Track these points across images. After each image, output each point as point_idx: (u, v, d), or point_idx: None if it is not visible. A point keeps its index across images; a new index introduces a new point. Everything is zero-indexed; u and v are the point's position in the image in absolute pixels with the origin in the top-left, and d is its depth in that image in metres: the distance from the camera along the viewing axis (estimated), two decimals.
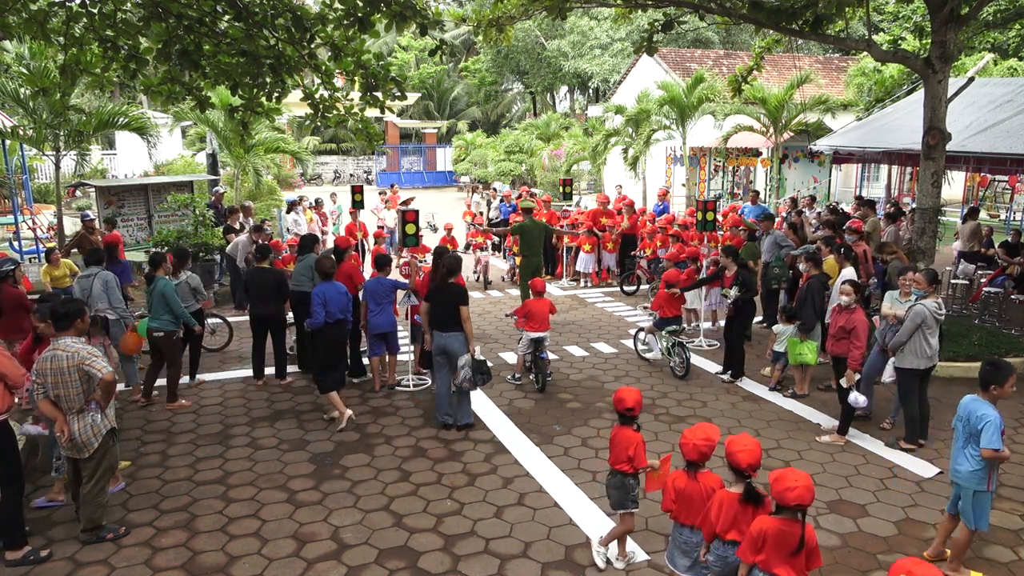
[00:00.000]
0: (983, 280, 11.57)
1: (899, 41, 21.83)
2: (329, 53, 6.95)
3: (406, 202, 16.55)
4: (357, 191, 13.96)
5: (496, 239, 16.18)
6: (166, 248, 11.83)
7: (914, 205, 11.15)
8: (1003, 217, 21.21)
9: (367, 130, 7.95)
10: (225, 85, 7.55)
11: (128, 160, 28.28)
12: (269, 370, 8.97)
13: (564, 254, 14.68)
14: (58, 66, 7.98)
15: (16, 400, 5.36)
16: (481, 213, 17.50)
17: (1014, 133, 11.33)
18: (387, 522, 5.75)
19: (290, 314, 9.03)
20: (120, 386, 7.56)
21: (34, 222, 15.97)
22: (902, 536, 5.56)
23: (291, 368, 9.14)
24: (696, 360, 9.46)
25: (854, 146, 14.75)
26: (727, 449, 4.05)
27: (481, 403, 8.14)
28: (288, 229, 15.14)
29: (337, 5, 6.54)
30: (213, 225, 13.23)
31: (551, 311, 8.73)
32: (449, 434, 7.37)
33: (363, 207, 13.84)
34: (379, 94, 7.14)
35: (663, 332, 9.06)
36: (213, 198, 15.11)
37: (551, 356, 9.42)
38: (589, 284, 14.32)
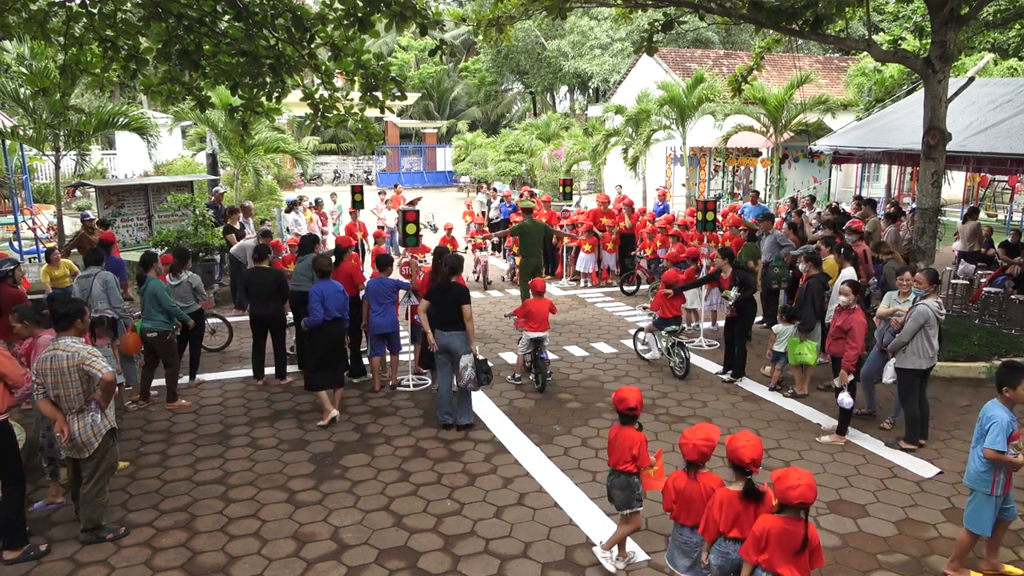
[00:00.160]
0: (983, 280, 11.57)
1: (899, 41, 21.83)
2: (329, 53, 6.95)
3: (413, 202, 16.57)
4: (357, 191, 13.96)
5: (496, 239, 16.18)
6: (166, 248, 11.84)
7: (914, 205, 11.14)
8: (1000, 216, 21.22)
9: (367, 130, 7.95)
10: (225, 85, 7.55)
11: (128, 160, 28.27)
12: (269, 370, 8.97)
13: (564, 254, 14.69)
14: (58, 66, 7.98)
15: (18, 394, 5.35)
16: (483, 213, 17.49)
17: (1014, 133, 11.33)
18: (387, 522, 5.75)
19: (290, 314, 9.03)
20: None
21: (34, 222, 15.97)
22: (902, 536, 5.56)
23: (291, 368, 9.13)
24: (696, 360, 9.46)
25: (854, 146, 14.75)
26: (728, 446, 4.06)
27: (481, 403, 8.14)
28: (288, 229, 15.14)
29: (337, 5, 6.54)
30: (213, 225, 13.23)
31: (551, 311, 8.73)
32: (449, 434, 7.37)
33: (363, 207, 13.84)
34: (379, 94, 7.14)
35: (663, 332, 9.06)
36: (213, 198, 15.10)
37: (551, 356, 9.42)
38: (589, 284, 14.32)
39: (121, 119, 13.59)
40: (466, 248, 14.84)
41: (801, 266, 8.90)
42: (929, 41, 9.96)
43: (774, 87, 20.48)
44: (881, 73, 20.90)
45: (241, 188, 17.88)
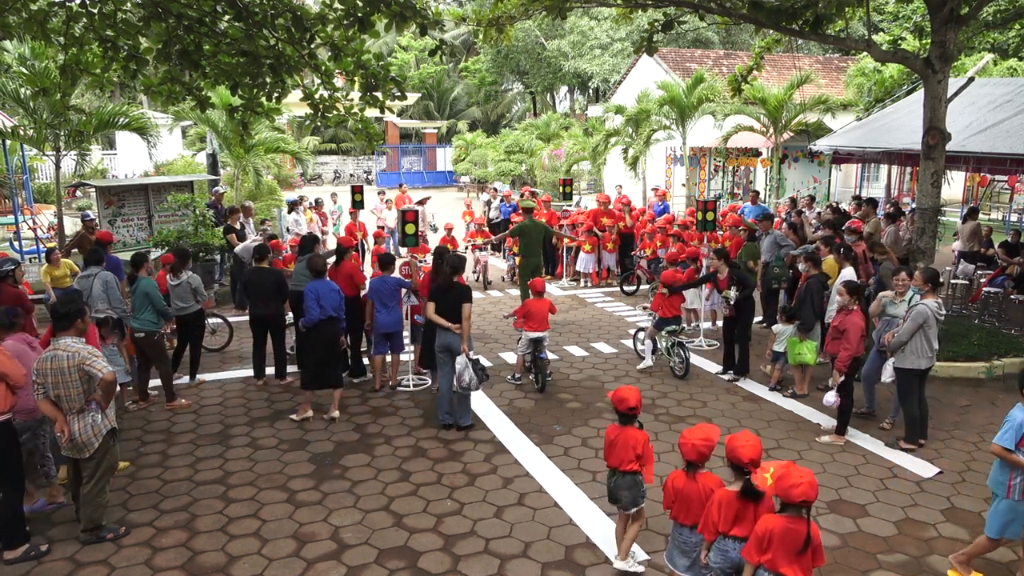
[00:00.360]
0: (983, 280, 11.57)
1: (899, 41, 21.83)
2: (329, 53, 6.95)
3: (422, 201, 16.58)
4: (357, 191, 13.96)
5: (495, 240, 16.18)
6: (166, 248, 11.84)
7: (914, 205, 11.14)
8: (994, 216, 21.23)
9: (367, 130, 7.95)
10: (225, 85, 7.55)
11: (128, 160, 28.28)
12: (269, 370, 8.97)
13: (564, 254, 14.69)
14: (58, 66, 7.98)
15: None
16: (484, 213, 17.50)
17: (1014, 133, 11.33)
18: (387, 522, 5.75)
19: (290, 314, 9.03)
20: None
21: (34, 222, 15.97)
22: (902, 536, 5.56)
23: (291, 368, 9.13)
24: (696, 360, 9.46)
25: (854, 146, 14.75)
26: (728, 446, 4.06)
27: (481, 403, 8.14)
28: (288, 229, 15.15)
29: (337, 5, 6.54)
30: (213, 225, 13.23)
31: (551, 311, 8.73)
32: (449, 434, 7.37)
33: (363, 207, 13.83)
34: (379, 94, 7.13)
35: (663, 332, 9.05)
36: (213, 198, 15.10)
37: (551, 356, 9.42)
38: (589, 284, 14.32)
39: (121, 119, 13.58)
40: (466, 248, 14.85)
41: (801, 266, 8.91)
42: (929, 41, 9.96)
43: (774, 87, 20.47)
44: (881, 73, 20.90)
45: (241, 188, 17.87)
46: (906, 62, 10.28)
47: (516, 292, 13.21)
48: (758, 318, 10.54)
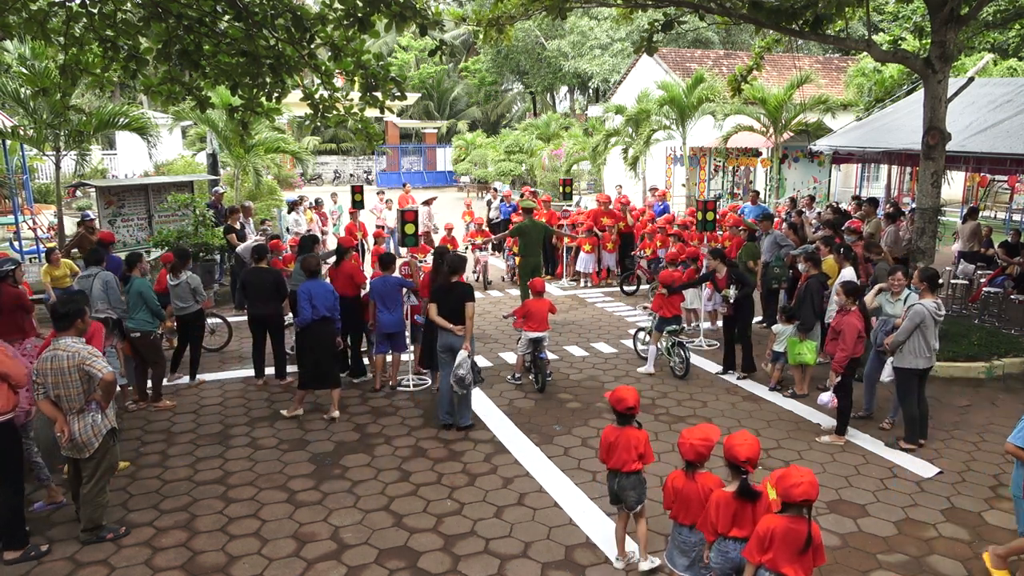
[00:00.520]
0: (983, 280, 11.57)
1: (899, 41, 21.82)
2: (329, 53, 6.95)
3: (428, 201, 16.59)
4: (357, 191, 13.95)
5: (495, 240, 16.18)
6: (166, 248, 11.83)
7: (914, 205, 11.14)
8: (991, 214, 21.23)
9: (367, 130, 7.95)
10: (225, 85, 7.55)
11: (128, 160, 28.29)
12: (269, 370, 8.97)
13: (564, 254, 14.68)
14: (58, 66, 7.98)
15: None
16: (484, 214, 17.52)
17: (1014, 133, 11.33)
18: (387, 522, 5.75)
19: (289, 314, 9.03)
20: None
21: (34, 222, 15.97)
22: (902, 536, 5.56)
23: (291, 368, 9.12)
24: (696, 360, 9.46)
25: (854, 146, 14.75)
26: (725, 444, 4.07)
27: (481, 403, 8.14)
28: (288, 229, 15.15)
29: (337, 5, 6.54)
30: (213, 225, 13.23)
31: (550, 311, 8.73)
32: (449, 434, 7.37)
33: (363, 207, 13.83)
34: (379, 94, 7.13)
35: (663, 332, 9.05)
36: (213, 198, 15.10)
37: (551, 356, 9.42)
38: (589, 284, 14.32)
39: (121, 119, 13.59)
40: (466, 248, 14.85)
41: (801, 266, 8.91)
42: (929, 41, 9.96)
43: (774, 87, 20.47)
44: (881, 73, 20.90)
45: (241, 188, 17.88)
46: (906, 62, 10.28)
47: (516, 292, 13.21)
48: (758, 318, 10.55)
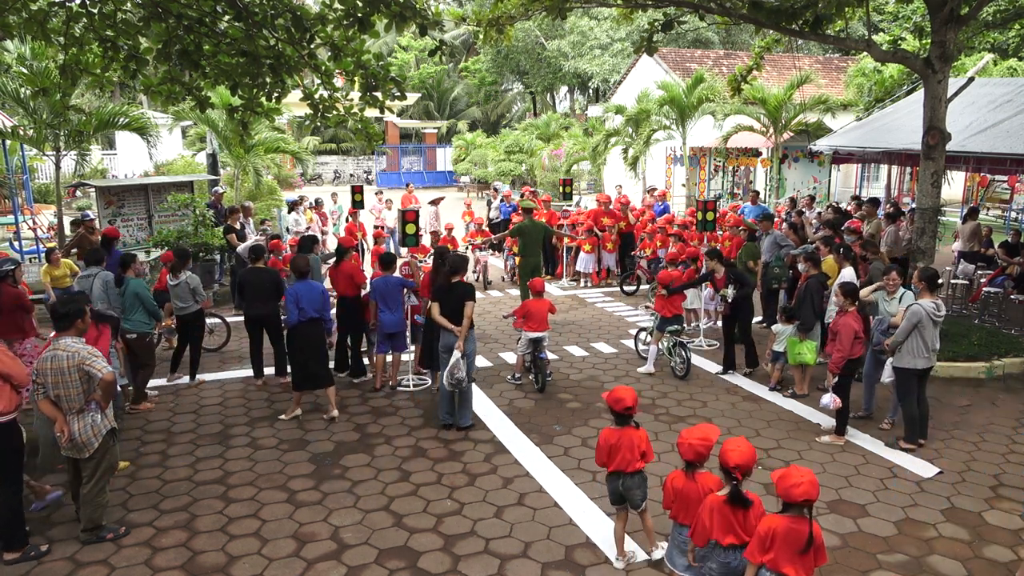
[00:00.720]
0: (983, 280, 11.57)
1: (899, 41, 21.82)
2: (329, 53, 6.95)
3: (435, 201, 16.59)
4: (357, 191, 13.95)
5: (495, 240, 16.19)
6: (166, 247, 11.83)
7: (914, 205, 11.15)
8: (994, 214, 21.26)
9: (367, 130, 7.95)
10: (225, 85, 7.55)
11: (128, 160, 28.30)
12: (269, 370, 8.97)
13: (564, 254, 14.68)
14: (58, 66, 7.98)
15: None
16: (485, 214, 17.52)
17: (1014, 133, 11.33)
18: (387, 522, 5.75)
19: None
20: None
21: (34, 222, 15.97)
22: (902, 536, 5.56)
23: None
24: (696, 360, 9.46)
25: (854, 146, 14.75)
26: (720, 448, 4.07)
27: (481, 403, 8.14)
28: (288, 229, 15.15)
29: (337, 5, 6.54)
30: (213, 225, 13.23)
31: (550, 311, 8.73)
32: (449, 434, 7.37)
33: (363, 207, 13.83)
34: (379, 94, 7.14)
35: (665, 332, 9.04)
36: (213, 198, 15.10)
37: (551, 356, 9.42)
38: (589, 284, 14.32)
39: (121, 119, 13.58)
40: (466, 248, 14.86)
41: (801, 266, 8.91)
42: (929, 41, 9.96)
43: (774, 87, 20.47)
44: (881, 73, 20.90)
45: (241, 188, 17.88)
46: (906, 62, 10.28)
47: (516, 292, 13.21)
48: (758, 318, 10.55)
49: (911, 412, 7.00)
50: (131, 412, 7.83)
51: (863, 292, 7.62)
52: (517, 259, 12.65)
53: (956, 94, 10.01)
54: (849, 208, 14.96)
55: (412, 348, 8.94)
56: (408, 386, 8.73)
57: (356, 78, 7.02)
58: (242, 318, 9.16)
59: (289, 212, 15.89)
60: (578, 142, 26.38)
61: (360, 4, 6.30)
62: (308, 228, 14.94)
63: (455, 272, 7.45)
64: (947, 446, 7.11)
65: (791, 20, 9.51)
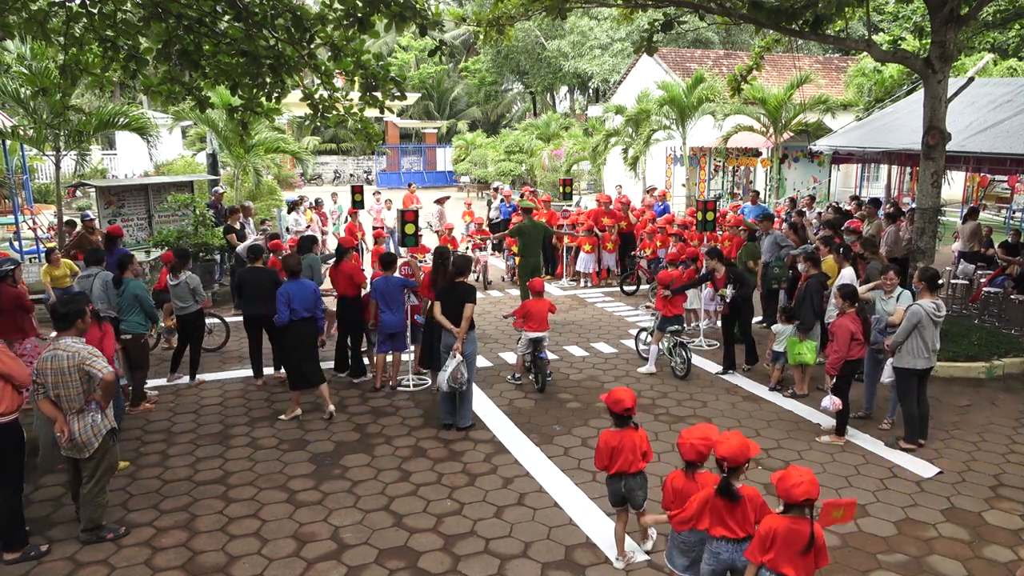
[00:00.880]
0: (983, 280, 11.57)
1: (899, 41, 21.82)
2: (329, 53, 6.95)
3: (440, 200, 16.58)
4: (357, 191, 13.93)
5: (495, 240, 16.18)
6: (166, 247, 11.83)
7: (914, 205, 11.15)
8: (991, 215, 21.29)
9: (367, 130, 7.95)
10: (225, 85, 7.54)
11: (128, 160, 28.30)
12: (268, 370, 8.97)
13: (564, 254, 14.68)
14: (58, 66, 7.97)
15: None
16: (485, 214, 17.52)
17: (1014, 133, 11.32)
18: (387, 522, 5.75)
19: None
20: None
21: (34, 222, 15.97)
22: (902, 536, 5.56)
23: None
24: (696, 360, 9.46)
25: (854, 146, 14.75)
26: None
27: (481, 403, 8.14)
28: (288, 229, 15.15)
29: (337, 5, 6.54)
30: (213, 225, 13.23)
31: (550, 311, 8.73)
32: (449, 434, 7.38)
33: (363, 207, 13.82)
34: (379, 94, 7.13)
35: (665, 332, 9.04)
36: (213, 198, 15.10)
37: (551, 356, 9.42)
38: (589, 284, 14.32)
39: (121, 119, 13.58)
40: (466, 248, 14.86)
41: (800, 266, 8.91)
42: (929, 41, 9.96)
43: (774, 87, 20.47)
44: (881, 73, 20.90)
45: (241, 188, 17.87)
46: (906, 62, 10.28)
47: (516, 292, 13.21)
48: (758, 318, 10.55)
49: (911, 412, 6.99)
50: (130, 413, 7.83)
51: (861, 290, 7.63)
52: (517, 259, 12.65)
53: (956, 94, 10.01)
54: (849, 208, 14.97)
55: (412, 348, 8.94)
56: (408, 386, 8.73)
57: (356, 78, 7.02)
58: (241, 318, 9.15)
59: (289, 212, 15.89)
60: (578, 142, 26.37)
61: (360, 4, 6.30)
62: (308, 228, 14.94)
63: (461, 273, 7.46)
64: (947, 446, 7.11)
65: (791, 20, 9.51)
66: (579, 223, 14.05)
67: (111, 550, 5.36)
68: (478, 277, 14.42)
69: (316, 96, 7.49)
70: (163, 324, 9.79)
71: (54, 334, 5.56)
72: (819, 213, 14.70)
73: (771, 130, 19.78)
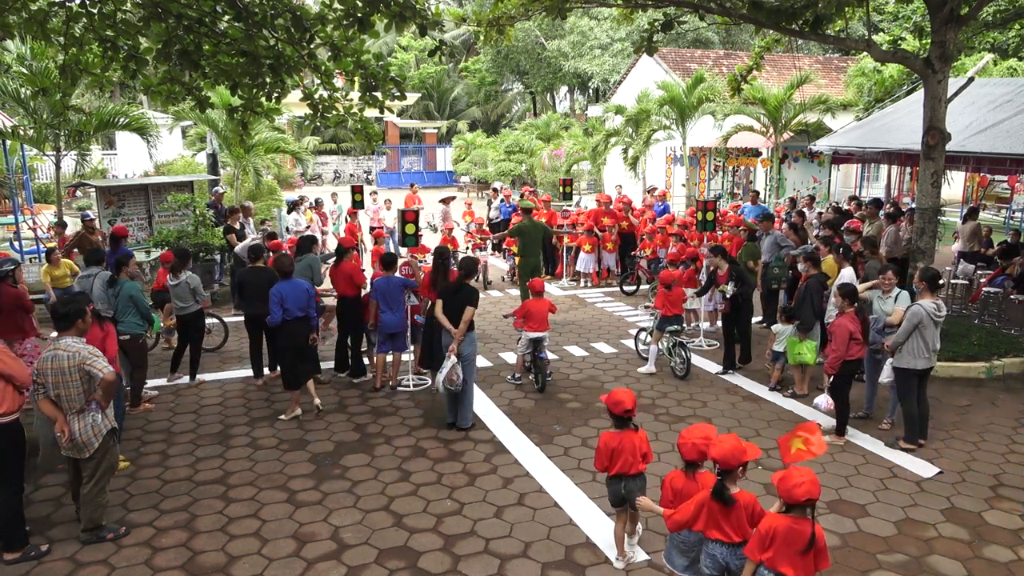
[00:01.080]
0: (983, 280, 11.57)
1: (899, 41, 21.83)
2: (329, 53, 6.95)
3: (446, 200, 16.59)
4: (357, 191, 13.93)
5: (495, 240, 16.19)
6: (166, 247, 11.83)
7: (914, 205, 11.15)
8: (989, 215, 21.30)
9: (367, 130, 7.96)
10: (225, 85, 7.55)
11: (128, 160, 28.29)
12: (268, 370, 8.97)
13: (564, 254, 14.69)
14: (58, 66, 7.98)
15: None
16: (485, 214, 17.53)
17: (1014, 133, 11.32)
18: (387, 522, 5.75)
19: None
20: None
21: (34, 222, 15.97)
22: (902, 536, 5.56)
23: None
24: (696, 360, 9.46)
25: (854, 146, 14.75)
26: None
27: (481, 403, 8.14)
28: (288, 229, 15.15)
29: (337, 5, 6.54)
30: (213, 225, 13.23)
31: (550, 311, 8.73)
32: (449, 434, 7.38)
33: (363, 207, 13.81)
34: (379, 94, 7.14)
35: (665, 332, 9.04)
36: (213, 198, 15.10)
37: (551, 356, 9.42)
38: (589, 284, 14.32)
39: (121, 119, 13.60)
40: (466, 248, 14.86)
41: (800, 266, 8.91)
42: (929, 41, 9.96)
43: (774, 87, 20.48)
44: (881, 73, 20.90)
45: (241, 188, 17.88)
46: (906, 62, 10.28)
47: (516, 292, 13.22)
48: (758, 318, 10.55)
49: (911, 412, 6.99)
50: (130, 413, 7.82)
51: (859, 288, 7.63)
52: (517, 259, 12.66)
53: (956, 94, 10.01)
54: (848, 208, 14.98)
55: (412, 348, 8.94)
56: (408, 386, 8.73)
57: (356, 78, 7.02)
58: (241, 318, 9.15)
59: (289, 212, 15.89)
60: (578, 142, 26.38)
61: (360, 4, 6.30)
62: (308, 228, 14.94)
63: (468, 276, 7.47)
64: (947, 446, 7.11)
65: (791, 20, 9.52)
66: (579, 223, 14.05)
67: (111, 550, 5.36)
68: (478, 277, 14.42)
69: (316, 96, 7.49)
70: (163, 324, 9.80)
71: (54, 334, 5.57)
72: (819, 213, 14.70)
73: (771, 130, 19.79)
